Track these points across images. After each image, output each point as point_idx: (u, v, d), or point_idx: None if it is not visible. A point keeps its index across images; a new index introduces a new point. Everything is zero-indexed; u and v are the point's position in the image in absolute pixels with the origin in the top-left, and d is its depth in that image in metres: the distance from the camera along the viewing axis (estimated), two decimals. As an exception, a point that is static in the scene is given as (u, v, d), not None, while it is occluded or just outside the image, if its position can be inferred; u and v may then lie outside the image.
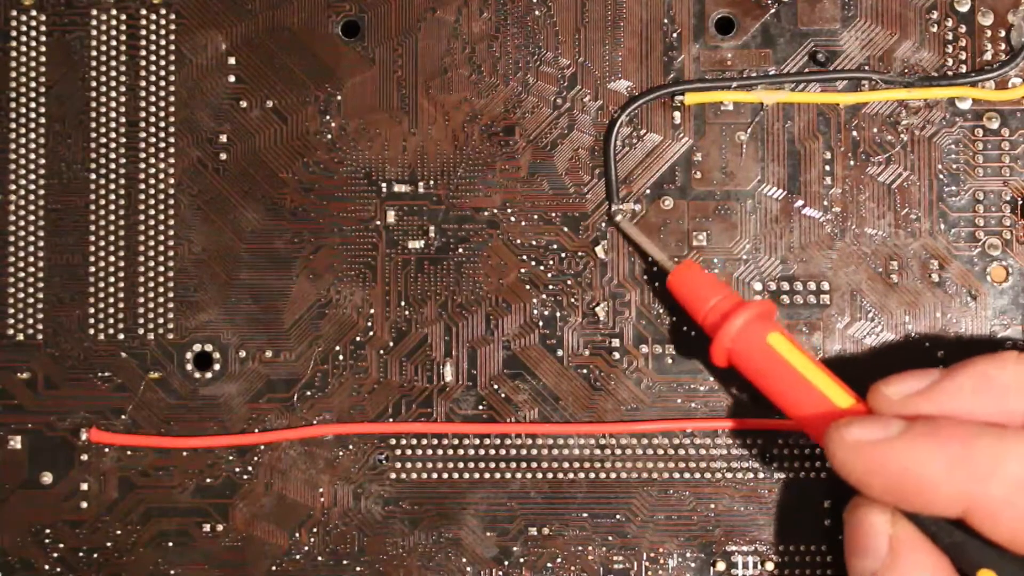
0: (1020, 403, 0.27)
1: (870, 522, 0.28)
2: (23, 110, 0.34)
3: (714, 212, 0.34)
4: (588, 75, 0.34)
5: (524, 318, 0.34)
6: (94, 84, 0.34)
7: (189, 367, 0.34)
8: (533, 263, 0.34)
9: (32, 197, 0.34)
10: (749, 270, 0.34)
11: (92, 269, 0.34)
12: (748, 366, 0.30)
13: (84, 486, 0.34)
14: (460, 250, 0.34)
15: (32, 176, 0.34)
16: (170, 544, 0.34)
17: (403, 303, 0.34)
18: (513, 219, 0.34)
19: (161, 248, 0.34)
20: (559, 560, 0.34)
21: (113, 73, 0.34)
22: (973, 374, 0.27)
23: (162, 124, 0.34)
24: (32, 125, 0.34)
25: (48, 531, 0.34)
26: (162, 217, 0.34)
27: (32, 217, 0.34)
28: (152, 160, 0.34)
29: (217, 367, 0.34)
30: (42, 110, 0.34)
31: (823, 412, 0.29)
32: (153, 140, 0.34)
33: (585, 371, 0.34)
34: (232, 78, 0.34)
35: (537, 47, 0.34)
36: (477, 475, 0.34)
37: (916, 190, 0.34)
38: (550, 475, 0.34)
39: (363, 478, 0.34)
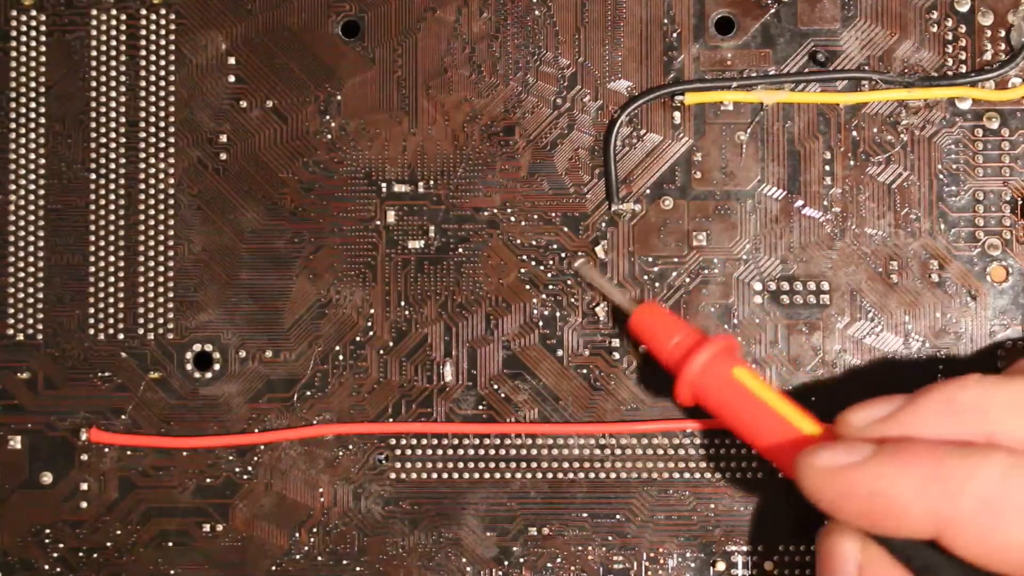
0: (984, 424, 0.27)
1: (840, 549, 0.28)
2: (23, 110, 0.34)
3: (714, 212, 0.34)
4: (588, 75, 0.34)
5: (524, 318, 0.34)
6: (94, 84, 0.34)
7: (189, 367, 0.34)
8: (533, 263, 0.34)
9: (32, 197, 0.34)
10: (749, 270, 0.34)
11: (92, 269, 0.34)
12: (714, 401, 0.30)
13: (84, 486, 0.34)
14: (460, 250, 0.34)
15: (32, 176, 0.34)
16: (170, 544, 0.34)
17: (403, 303, 0.34)
18: (513, 219, 0.34)
19: (161, 248, 0.34)
20: (559, 560, 0.34)
21: (113, 73, 0.34)
22: (937, 398, 0.27)
23: (162, 124, 0.34)
24: (32, 125, 0.34)
25: (48, 531, 0.34)
26: (162, 217, 0.34)
27: (32, 217, 0.34)
28: (152, 160, 0.34)
29: (217, 367, 0.34)
30: (42, 110, 0.34)
31: (792, 441, 0.29)
32: (153, 140, 0.34)
33: (585, 371, 0.34)
34: (232, 78, 0.34)
35: (537, 47, 0.34)
36: (477, 475, 0.34)
37: (916, 190, 0.34)
38: (550, 475, 0.34)
39: (363, 478, 0.34)
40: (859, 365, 0.33)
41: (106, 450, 0.34)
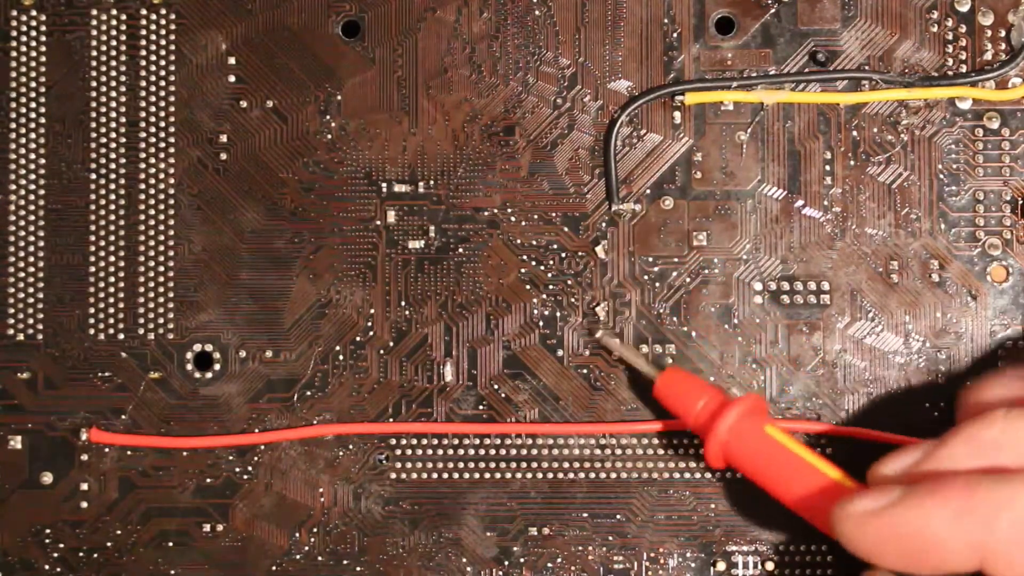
0: (1014, 458, 0.27)
1: None
2: (23, 110, 0.34)
3: (714, 212, 0.34)
4: (588, 75, 0.34)
5: (524, 318, 0.34)
6: (94, 84, 0.34)
7: (189, 367, 0.34)
8: (533, 263, 0.34)
9: (32, 197, 0.34)
10: (749, 270, 0.34)
11: (92, 269, 0.34)
12: (746, 459, 0.31)
13: (84, 486, 0.34)
14: (460, 250, 0.34)
15: (32, 176, 0.34)
16: (170, 544, 0.34)
17: (403, 303, 0.34)
18: (513, 219, 0.34)
19: (161, 248, 0.34)
20: (559, 560, 0.34)
21: (113, 73, 0.34)
22: (965, 439, 0.28)
23: (162, 124, 0.34)
24: (32, 125, 0.34)
25: (48, 531, 0.34)
26: (162, 217, 0.34)
27: (32, 217, 0.34)
28: (152, 160, 0.34)
29: (217, 367, 0.34)
30: (42, 110, 0.34)
31: (827, 493, 0.29)
32: (153, 140, 0.34)
33: (585, 371, 0.34)
34: (232, 78, 0.34)
35: (537, 47, 0.34)
36: (477, 475, 0.34)
37: (916, 190, 0.34)
38: (550, 475, 0.34)
39: (363, 478, 0.34)
40: (859, 365, 0.33)
41: (106, 450, 0.34)
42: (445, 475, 0.34)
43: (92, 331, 0.34)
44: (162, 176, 0.34)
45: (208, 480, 0.34)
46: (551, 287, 0.34)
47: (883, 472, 0.28)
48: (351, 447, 0.34)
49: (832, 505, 0.28)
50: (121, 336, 0.34)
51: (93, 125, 0.34)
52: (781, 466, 0.30)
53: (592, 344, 0.33)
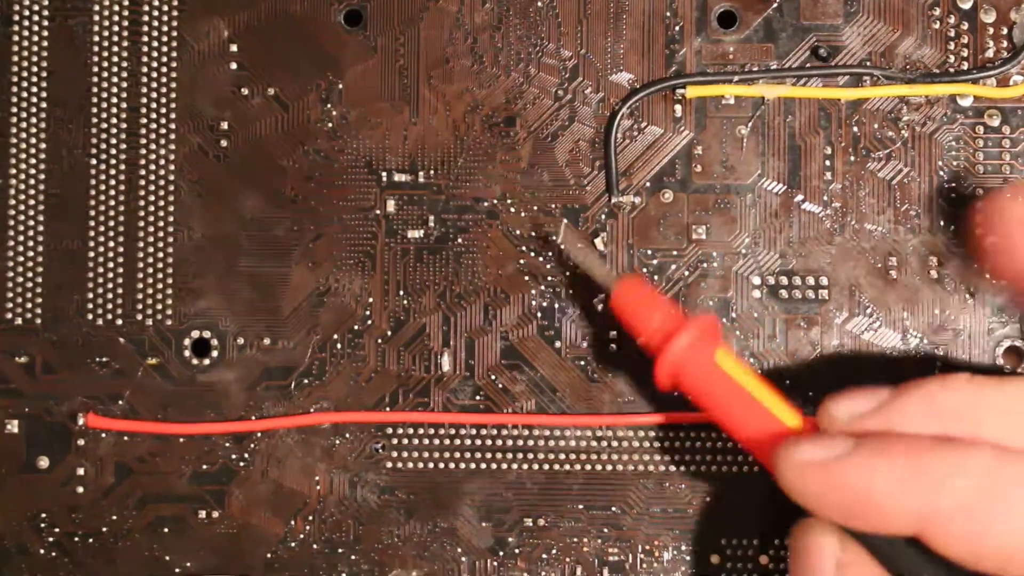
0: (968, 427, 0.27)
1: (818, 545, 0.27)
2: (24, 95, 0.34)
3: (714, 206, 0.34)
4: (590, 67, 0.34)
5: (522, 309, 0.34)
6: (96, 70, 0.34)
7: (187, 353, 0.34)
8: (532, 254, 0.34)
9: (32, 182, 0.34)
10: (748, 264, 0.34)
11: (91, 255, 0.34)
12: (694, 388, 0.30)
13: (81, 471, 0.34)
14: (459, 240, 0.34)
15: (33, 161, 0.34)
16: (166, 530, 0.34)
17: (402, 292, 0.34)
18: (513, 210, 0.34)
19: (161, 234, 0.34)
20: (554, 551, 0.34)
21: (115, 59, 0.34)
22: (922, 396, 0.27)
23: (163, 111, 0.34)
24: (33, 110, 0.34)
25: (44, 516, 0.34)
26: (162, 203, 0.34)
27: (32, 202, 0.34)
28: (153, 146, 0.34)
29: (215, 354, 0.34)
30: (43, 95, 0.34)
31: (772, 433, 0.29)
32: (154, 126, 0.34)
33: (583, 363, 0.34)
34: (234, 65, 0.34)
35: (539, 38, 0.34)
36: (473, 465, 0.34)
37: (916, 186, 0.34)
38: (546, 466, 0.34)
39: (359, 467, 0.34)
40: (857, 361, 0.33)
41: (103, 435, 0.34)
42: (441, 465, 0.34)
43: (90, 316, 0.34)
44: (162, 162, 0.34)
45: (204, 467, 0.34)
46: (550, 278, 0.34)
47: (835, 413, 0.28)
48: (348, 435, 0.34)
49: (776, 447, 0.27)
50: (119, 322, 0.34)
51: (94, 111, 0.34)
52: (727, 400, 0.29)
53: (556, 242, 0.33)
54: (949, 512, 0.26)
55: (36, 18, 0.34)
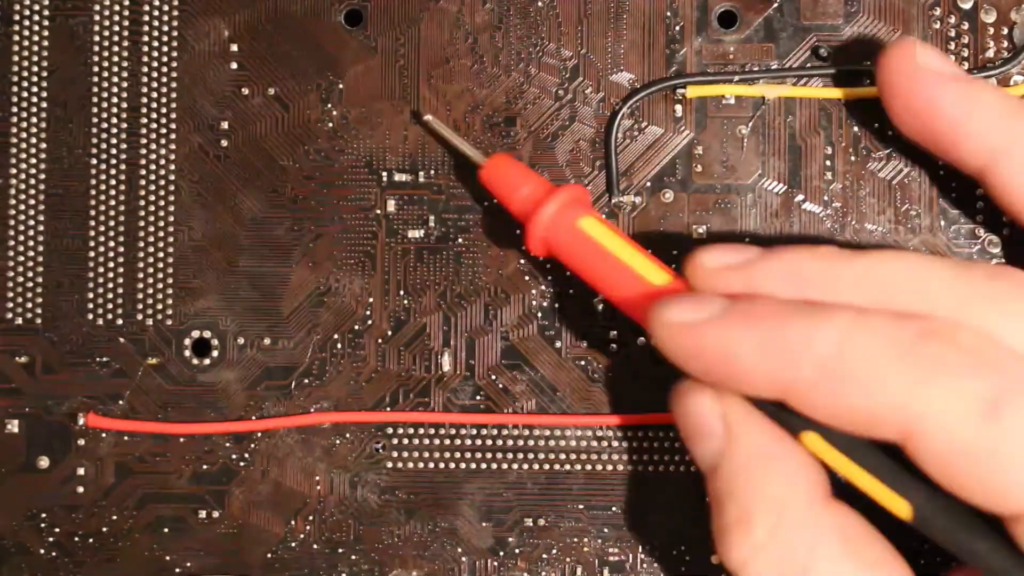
0: (825, 295, 0.27)
1: (700, 405, 0.28)
2: (25, 94, 0.34)
3: (714, 206, 0.34)
4: (590, 67, 0.34)
5: (523, 309, 0.34)
6: (96, 69, 0.34)
7: (187, 353, 0.34)
8: (533, 254, 0.34)
9: (33, 181, 0.34)
10: (748, 264, 0.34)
11: (92, 254, 0.34)
12: (565, 255, 0.30)
13: (81, 471, 0.34)
14: (460, 240, 0.34)
15: (33, 160, 0.34)
16: (166, 530, 0.34)
17: (402, 292, 0.34)
18: (513, 210, 0.34)
19: (161, 234, 0.34)
20: (554, 551, 0.34)
21: (115, 58, 0.34)
22: (786, 261, 0.27)
23: (164, 110, 0.34)
24: (34, 109, 0.34)
25: (44, 515, 0.34)
26: (162, 203, 0.34)
27: (32, 201, 0.34)
28: (153, 146, 0.34)
29: (215, 354, 0.34)
30: (44, 94, 0.34)
31: (641, 293, 0.29)
32: (154, 126, 0.34)
33: (583, 363, 0.34)
34: (234, 65, 0.34)
35: (539, 38, 0.34)
36: (474, 465, 0.34)
37: (916, 186, 0.34)
38: (547, 466, 0.34)
39: (360, 467, 0.34)
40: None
41: (103, 435, 0.34)
42: (442, 465, 0.34)
43: (91, 316, 0.34)
44: (163, 162, 0.34)
45: (205, 467, 0.34)
46: (550, 278, 0.34)
47: (704, 262, 0.28)
48: (348, 435, 0.34)
49: (648, 307, 0.28)
50: (120, 321, 0.34)
51: (94, 110, 0.34)
52: (595, 264, 0.30)
53: (420, 125, 0.33)
54: (807, 382, 0.26)
55: (37, 17, 0.34)
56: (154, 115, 0.34)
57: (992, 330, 0.26)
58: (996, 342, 0.25)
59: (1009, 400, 0.25)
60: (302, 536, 0.34)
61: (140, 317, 0.34)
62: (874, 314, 0.26)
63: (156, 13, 0.34)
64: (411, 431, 0.34)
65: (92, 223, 0.34)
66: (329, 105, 0.34)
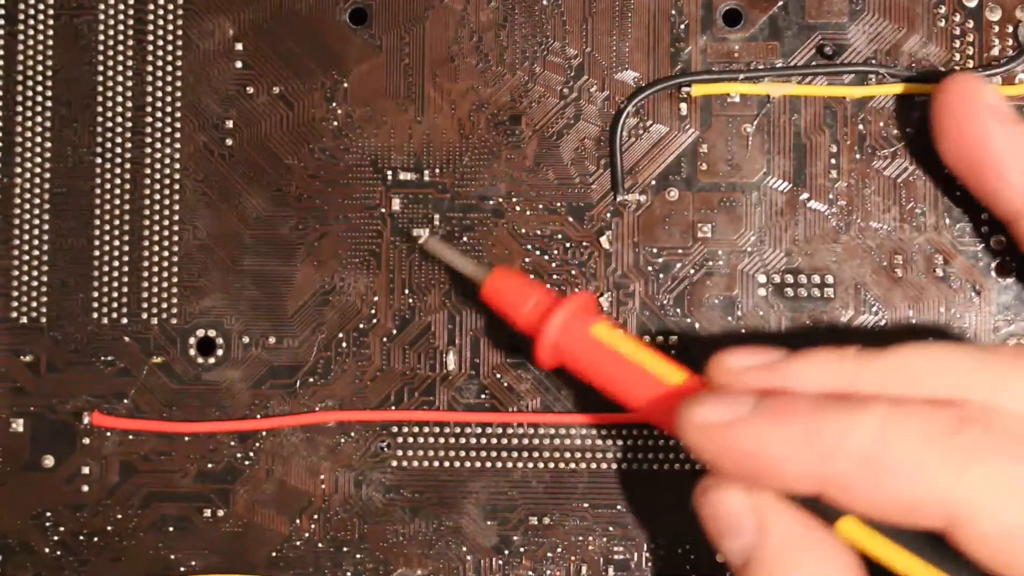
0: (855, 391, 0.27)
1: (729, 500, 0.27)
2: (30, 93, 0.34)
3: (719, 204, 0.34)
4: (595, 65, 0.34)
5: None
6: (101, 68, 0.34)
7: (192, 352, 0.34)
8: (538, 252, 0.34)
9: (37, 180, 0.34)
10: (754, 262, 0.33)
11: (96, 253, 0.34)
12: (577, 362, 0.30)
13: (85, 470, 0.34)
14: (465, 239, 0.34)
15: (38, 159, 0.34)
16: (171, 529, 0.34)
17: (407, 291, 0.34)
18: (518, 208, 0.34)
19: (166, 233, 0.34)
20: (559, 550, 0.34)
21: (120, 57, 0.34)
22: (813, 361, 0.27)
23: (168, 109, 0.34)
24: (38, 108, 0.34)
25: (49, 514, 0.34)
26: (167, 202, 0.34)
27: (37, 200, 0.34)
28: (158, 145, 0.34)
29: (220, 352, 0.34)
30: (49, 93, 0.34)
31: (661, 395, 0.28)
32: (159, 125, 0.34)
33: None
34: (239, 64, 0.34)
35: (544, 37, 0.34)
36: (479, 464, 0.34)
37: (921, 184, 0.34)
38: (552, 465, 0.34)
39: (364, 465, 0.34)
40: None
41: (108, 434, 0.34)
42: (446, 463, 0.34)
43: (95, 315, 0.34)
44: (167, 161, 0.34)
45: (209, 465, 0.34)
46: (555, 276, 0.34)
47: (728, 364, 0.28)
48: (353, 434, 0.34)
49: (670, 411, 0.27)
50: (124, 320, 0.34)
51: (99, 109, 0.34)
52: (612, 369, 0.29)
53: (416, 250, 0.33)
54: (844, 476, 0.25)
55: (41, 17, 0.34)
56: (159, 114, 0.34)
57: None
58: None
59: None
60: (307, 535, 0.34)
61: (145, 316, 0.34)
62: (910, 403, 0.26)
63: (161, 12, 0.34)
64: (416, 430, 0.34)
65: (97, 222, 0.34)
66: (334, 104, 0.34)
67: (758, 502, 0.27)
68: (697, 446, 0.27)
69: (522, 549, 0.34)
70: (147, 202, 0.34)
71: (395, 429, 0.34)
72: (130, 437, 0.34)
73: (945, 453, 0.25)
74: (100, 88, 0.34)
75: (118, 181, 0.34)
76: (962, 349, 0.27)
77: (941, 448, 0.25)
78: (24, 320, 0.34)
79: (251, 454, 0.34)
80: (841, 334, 0.33)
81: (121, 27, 0.34)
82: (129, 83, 0.34)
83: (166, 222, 0.34)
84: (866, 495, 0.25)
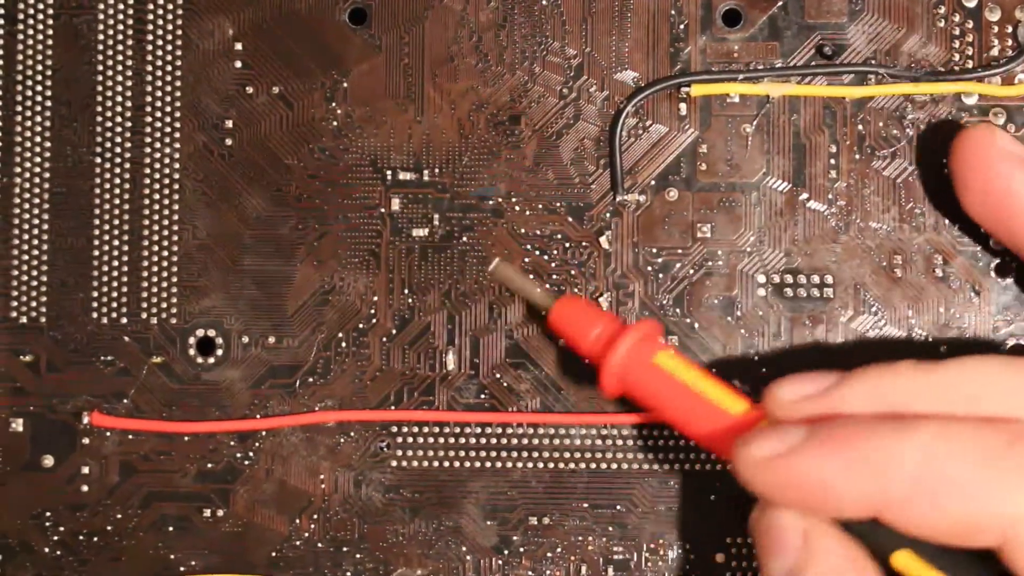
0: (909, 410, 0.27)
1: (782, 521, 0.27)
2: (29, 93, 0.34)
3: (719, 204, 0.34)
4: (595, 65, 0.34)
5: (527, 307, 0.34)
6: (100, 68, 0.34)
7: (192, 352, 0.34)
8: (537, 252, 0.34)
9: (37, 180, 0.34)
10: (753, 262, 0.34)
11: (96, 253, 0.34)
12: (640, 390, 0.30)
13: (85, 469, 0.34)
14: (464, 239, 0.34)
15: (37, 159, 0.34)
16: (170, 529, 0.34)
17: (406, 291, 0.34)
18: (518, 208, 0.34)
19: (165, 233, 0.34)
20: (559, 550, 0.34)
21: (119, 57, 0.34)
22: (866, 382, 0.27)
23: (168, 109, 0.34)
24: (38, 108, 0.34)
25: (48, 514, 0.34)
26: (167, 202, 0.34)
27: (37, 200, 0.34)
28: (157, 145, 0.34)
29: (220, 352, 0.34)
30: (48, 93, 0.34)
31: (723, 426, 0.29)
32: (159, 125, 0.34)
33: (588, 361, 0.34)
34: (239, 64, 0.34)
35: (544, 37, 0.34)
36: (478, 464, 0.34)
37: (921, 185, 0.34)
38: (551, 465, 0.34)
39: (364, 465, 0.34)
40: (861, 360, 0.33)
41: (108, 434, 0.34)
42: (446, 463, 0.34)
43: (95, 315, 0.34)
44: (167, 161, 0.34)
45: (209, 465, 0.34)
46: (555, 276, 0.34)
47: (783, 396, 0.28)
48: (352, 434, 0.34)
49: (730, 440, 0.28)
50: (124, 320, 0.34)
51: (99, 109, 0.34)
52: (675, 398, 0.30)
53: (489, 275, 0.33)
54: (899, 497, 0.26)
55: (41, 16, 0.34)
56: (158, 114, 0.34)
57: None
58: None
59: None
60: (307, 535, 0.34)
61: (144, 316, 0.34)
62: (961, 422, 0.26)
63: (160, 12, 0.34)
64: (416, 430, 0.34)
65: (96, 222, 0.34)
66: (333, 104, 0.34)
67: (809, 527, 0.27)
68: (753, 482, 0.27)
69: (522, 549, 0.34)
70: (147, 202, 0.34)
71: (395, 429, 0.34)
72: (130, 437, 0.34)
73: (998, 472, 0.25)
74: (100, 88, 0.34)
75: (118, 181, 0.34)
76: (1015, 363, 0.27)
77: (993, 467, 0.25)
78: (24, 320, 0.34)
79: (251, 454, 0.34)
80: (841, 337, 0.33)
81: (121, 27, 0.34)
82: (129, 83, 0.34)
83: (166, 222, 0.34)
84: (922, 516, 0.26)
